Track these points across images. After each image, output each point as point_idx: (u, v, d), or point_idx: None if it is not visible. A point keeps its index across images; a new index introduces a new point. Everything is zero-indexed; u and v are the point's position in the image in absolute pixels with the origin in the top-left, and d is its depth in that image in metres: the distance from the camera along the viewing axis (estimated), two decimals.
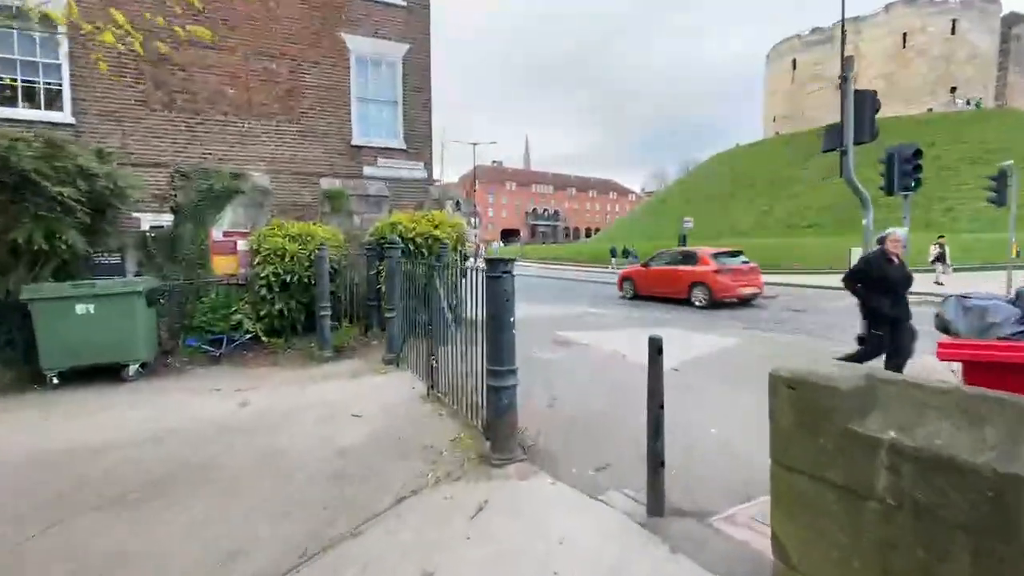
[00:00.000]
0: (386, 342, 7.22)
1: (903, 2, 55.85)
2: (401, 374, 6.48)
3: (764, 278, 20.34)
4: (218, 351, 7.91)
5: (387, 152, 11.99)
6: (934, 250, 18.85)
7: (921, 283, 16.70)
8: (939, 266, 18.29)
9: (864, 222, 7.41)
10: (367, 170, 11.72)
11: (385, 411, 5.17)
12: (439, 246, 8.10)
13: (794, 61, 66.79)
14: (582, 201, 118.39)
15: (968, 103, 52.34)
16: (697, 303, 14.10)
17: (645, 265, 17.04)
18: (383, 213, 10.30)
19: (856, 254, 13.47)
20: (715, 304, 13.79)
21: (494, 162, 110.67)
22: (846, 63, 6.76)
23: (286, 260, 8.06)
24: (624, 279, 17.30)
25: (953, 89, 54.56)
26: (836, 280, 19.60)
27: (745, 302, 14.43)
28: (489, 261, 3.87)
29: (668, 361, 6.76)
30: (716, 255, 14.68)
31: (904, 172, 13.01)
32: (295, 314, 8.25)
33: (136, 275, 7.94)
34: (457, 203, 10.29)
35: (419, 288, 6.03)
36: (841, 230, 35.64)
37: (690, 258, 15.22)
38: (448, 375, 5.16)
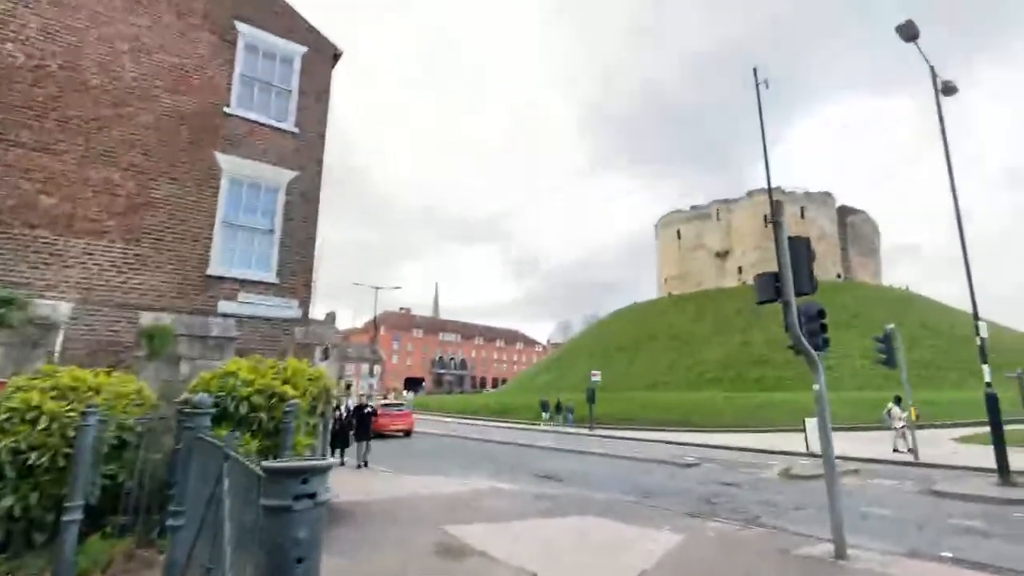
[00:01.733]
0: (165, 567, 4.50)
1: (760, 190, 66.02)
2: None
3: (682, 437, 21.36)
4: None
5: (254, 286, 9.88)
6: (900, 414, 16.16)
7: (877, 448, 14.94)
8: (907, 433, 15.49)
9: (816, 387, 6.25)
10: (223, 305, 9.45)
11: None
12: (284, 409, 5.78)
13: (678, 231, 75.10)
14: (489, 351, 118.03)
15: (839, 276, 62.17)
16: (371, 435, 20.52)
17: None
18: (227, 359, 7.88)
19: (811, 424, 12.39)
20: (381, 435, 20.74)
21: (402, 308, 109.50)
22: (776, 207, 6.06)
23: (39, 427, 5.31)
24: None
25: None
26: (749, 439, 19.08)
27: (407, 434, 24.50)
28: (270, 473, 1.85)
29: None
30: (384, 405, 25.60)
31: (812, 331, 12.85)
32: (37, 513, 5.28)
33: None
34: (326, 350, 8.16)
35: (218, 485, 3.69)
36: (740, 386, 36.63)
37: (374, 408, 23.74)
38: None
